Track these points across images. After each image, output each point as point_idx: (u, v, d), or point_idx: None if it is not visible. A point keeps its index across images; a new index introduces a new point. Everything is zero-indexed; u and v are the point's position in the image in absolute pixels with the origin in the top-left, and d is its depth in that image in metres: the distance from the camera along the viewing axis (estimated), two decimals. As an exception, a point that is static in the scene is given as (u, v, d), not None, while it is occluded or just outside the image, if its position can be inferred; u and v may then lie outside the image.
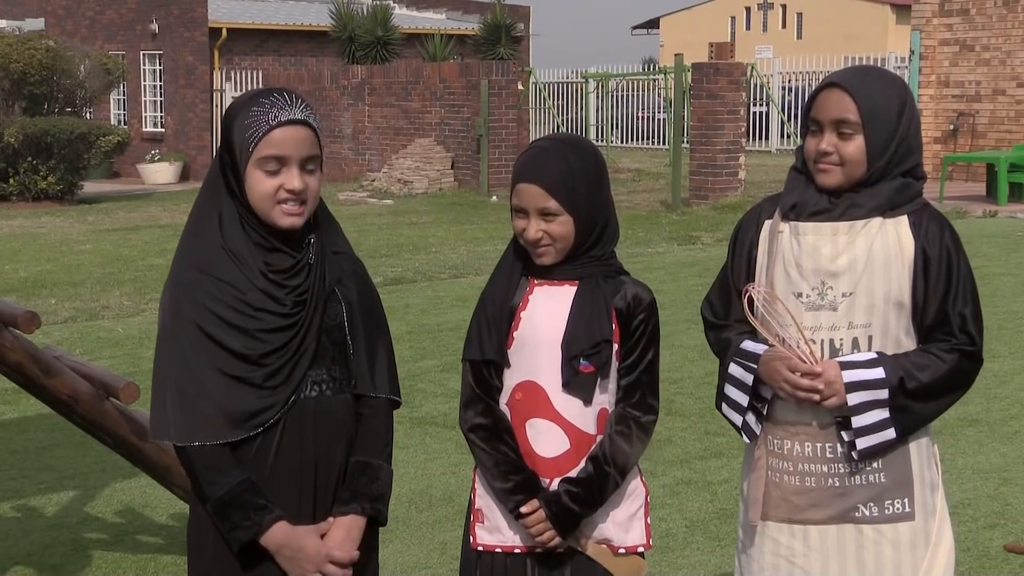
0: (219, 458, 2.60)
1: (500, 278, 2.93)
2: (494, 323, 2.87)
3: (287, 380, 2.64)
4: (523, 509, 2.85)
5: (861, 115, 2.82)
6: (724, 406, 3.03)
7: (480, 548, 2.94)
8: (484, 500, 2.94)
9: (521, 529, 2.89)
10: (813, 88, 2.97)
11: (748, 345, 2.94)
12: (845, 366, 2.81)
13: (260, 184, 2.61)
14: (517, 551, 2.90)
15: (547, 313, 2.87)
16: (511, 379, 2.90)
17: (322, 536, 2.71)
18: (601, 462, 2.86)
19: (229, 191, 2.64)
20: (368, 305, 2.80)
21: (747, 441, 3.02)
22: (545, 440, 2.88)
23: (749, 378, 2.93)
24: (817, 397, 2.82)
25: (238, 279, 2.61)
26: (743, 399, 2.96)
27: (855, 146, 2.83)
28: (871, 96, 2.83)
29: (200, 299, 2.60)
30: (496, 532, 2.92)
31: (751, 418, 2.97)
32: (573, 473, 2.87)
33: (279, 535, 2.64)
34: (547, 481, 2.89)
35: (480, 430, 2.89)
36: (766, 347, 2.90)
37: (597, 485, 2.86)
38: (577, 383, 2.86)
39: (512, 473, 2.86)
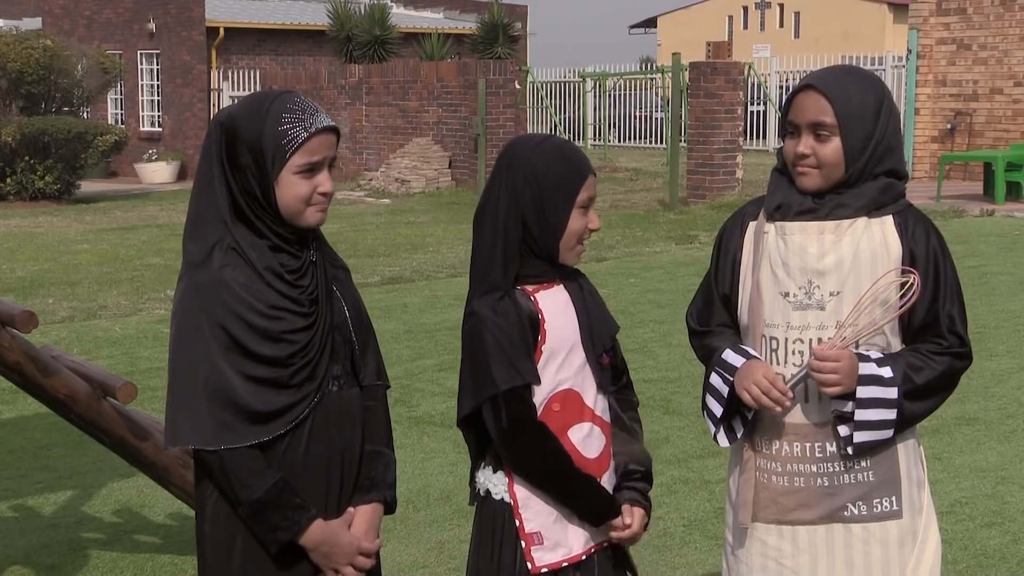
0: (251, 460, 2.61)
1: (497, 296, 2.82)
2: (521, 343, 2.80)
3: (311, 377, 2.68)
4: (628, 520, 2.90)
5: (837, 117, 2.80)
6: (704, 414, 3.04)
7: (544, 569, 2.85)
8: (538, 520, 2.86)
9: (582, 534, 2.88)
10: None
11: (728, 356, 2.92)
12: (860, 359, 2.80)
13: (297, 189, 2.65)
14: (584, 557, 2.89)
15: (560, 317, 2.87)
16: (540, 393, 2.85)
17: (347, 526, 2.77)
18: (639, 454, 2.97)
19: (246, 195, 2.64)
20: (356, 298, 2.86)
21: (723, 446, 3.03)
22: (589, 443, 2.90)
23: (726, 390, 2.93)
24: (780, 410, 2.83)
25: (257, 281, 2.63)
26: (718, 410, 2.97)
27: (832, 148, 2.82)
28: (847, 97, 2.81)
29: (224, 301, 2.60)
30: (560, 547, 2.86)
31: (722, 434, 2.98)
32: (611, 468, 2.94)
33: (317, 533, 2.68)
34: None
35: (555, 459, 2.83)
36: (744, 359, 2.89)
37: (649, 471, 3.00)
38: (604, 379, 2.93)
39: (594, 493, 2.87)
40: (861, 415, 2.80)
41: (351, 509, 2.78)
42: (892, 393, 2.79)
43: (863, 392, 2.79)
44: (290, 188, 2.64)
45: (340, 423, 2.75)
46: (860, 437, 2.81)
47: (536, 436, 2.82)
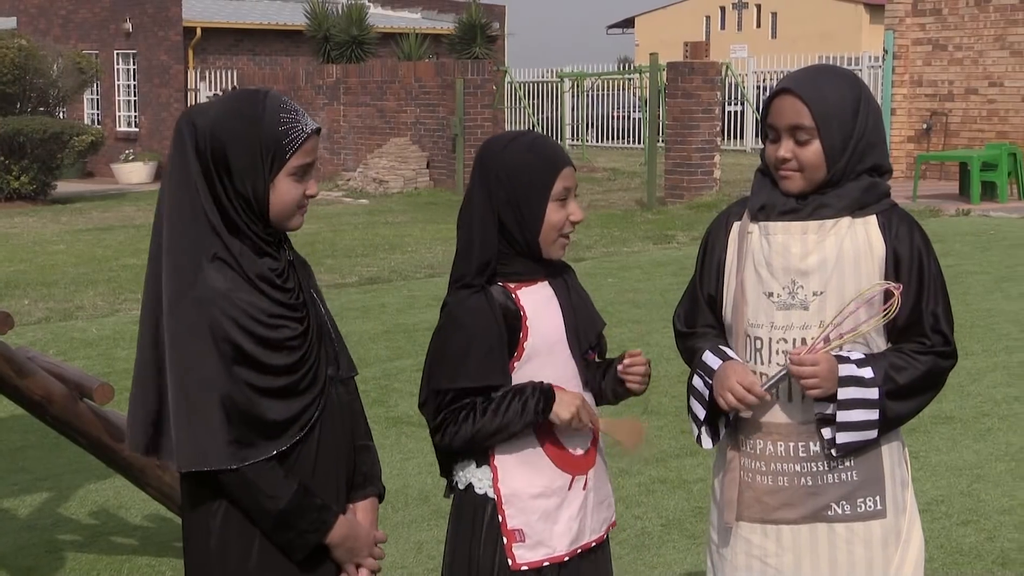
0: (272, 472, 2.59)
1: (470, 292, 2.82)
2: (495, 344, 2.79)
3: (315, 380, 2.66)
4: (628, 361, 2.92)
5: (815, 119, 2.80)
6: (689, 415, 3.05)
7: (524, 567, 2.85)
8: (521, 518, 2.85)
9: (567, 535, 2.87)
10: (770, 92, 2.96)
11: (707, 358, 2.94)
12: (839, 360, 2.81)
13: (291, 192, 2.61)
14: (567, 559, 2.88)
15: (544, 313, 2.87)
16: None
17: None
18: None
19: (238, 196, 2.57)
20: (321, 294, 2.83)
21: (706, 447, 3.04)
22: (576, 439, 2.90)
23: (707, 392, 2.94)
24: (746, 411, 2.85)
25: (249, 291, 2.57)
26: (700, 412, 2.98)
27: (813, 151, 2.82)
28: (823, 98, 2.81)
29: (228, 314, 2.53)
30: (541, 546, 2.85)
31: (705, 432, 3.00)
32: (598, 464, 2.95)
33: (343, 528, 2.68)
34: (583, 479, 2.90)
35: (479, 435, 2.81)
36: (721, 361, 2.90)
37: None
38: (590, 375, 2.94)
39: (521, 398, 2.79)
40: (843, 416, 2.80)
41: (350, 506, 2.78)
42: (873, 393, 2.80)
43: (844, 393, 2.79)
44: (285, 191, 2.59)
45: (342, 424, 2.74)
46: (843, 438, 2.82)
47: (457, 430, 2.82)
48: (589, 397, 2.94)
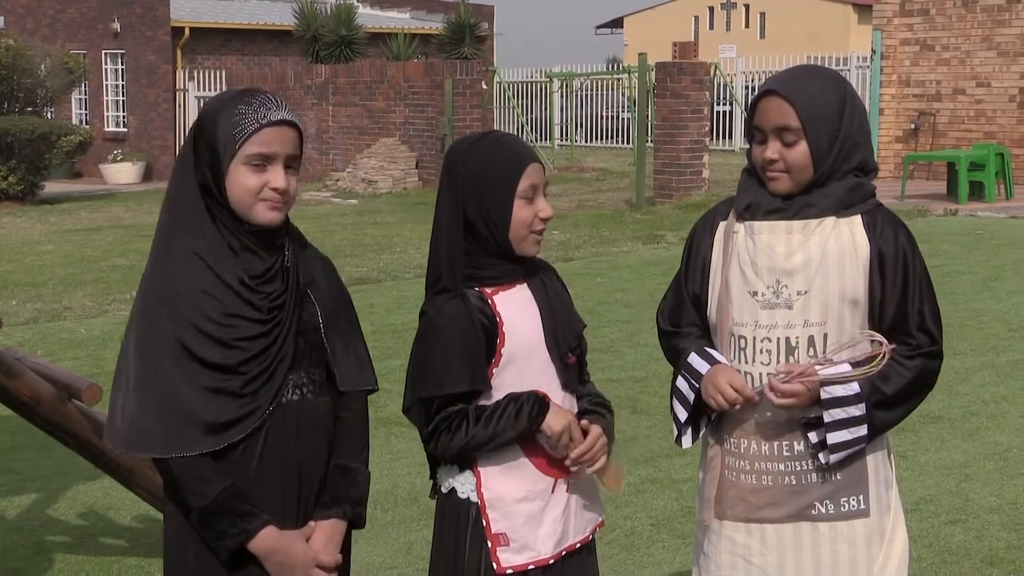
0: (201, 467, 2.57)
1: (446, 298, 2.83)
2: (476, 348, 2.79)
3: (266, 385, 2.63)
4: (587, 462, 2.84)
5: (801, 120, 2.81)
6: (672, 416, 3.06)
7: (509, 571, 2.84)
8: (505, 522, 2.84)
9: (552, 538, 2.86)
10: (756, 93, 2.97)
11: (694, 360, 2.94)
12: (824, 382, 2.81)
13: (245, 180, 2.60)
14: (552, 562, 2.87)
15: (521, 318, 2.85)
16: (502, 396, 2.84)
17: (306, 540, 2.71)
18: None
19: (204, 191, 2.62)
20: (342, 302, 2.82)
21: (685, 447, 3.04)
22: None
23: (692, 396, 2.95)
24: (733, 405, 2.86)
25: (215, 287, 2.58)
26: (683, 414, 2.99)
27: (800, 152, 2.83)
28: (809, 99, 2.82)
29: (182, 312, 2.56)
30: (526, 550, 2.84)
31: (687, 437, 3.00)
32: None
33: (268, 540, 2.63)
34: (566, 481, 2.89)
35: (471, 443, 2.80)
36: (709, 365, 2.91)
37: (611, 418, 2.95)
38: (570, 378, 2.91)
39: (516, 405, 2.79)
40: (833, 438, 2.81)
41: (312, 523, 2.74)
42: (860, 410, 2.81)
43: (830, 416, 2.81)
44: (239, 179, 2.60)
45: (299, 434, 2.69)
46: (836, 456, 2.83)
47: (451, 439, 2.81)
48: (569, 401, 2.92)
